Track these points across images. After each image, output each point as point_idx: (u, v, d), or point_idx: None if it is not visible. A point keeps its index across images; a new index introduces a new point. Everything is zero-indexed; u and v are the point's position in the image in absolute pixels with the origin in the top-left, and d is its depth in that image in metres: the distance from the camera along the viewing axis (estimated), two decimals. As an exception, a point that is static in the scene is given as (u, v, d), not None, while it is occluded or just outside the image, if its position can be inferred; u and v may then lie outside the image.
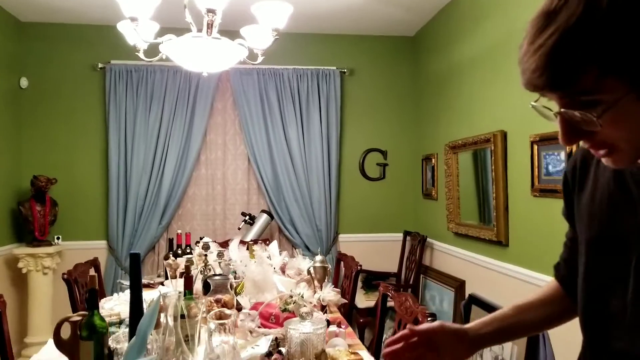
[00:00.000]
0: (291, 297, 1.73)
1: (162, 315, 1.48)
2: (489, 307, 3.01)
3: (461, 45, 3.62)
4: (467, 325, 1.03)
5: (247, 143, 4.22)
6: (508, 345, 2.73)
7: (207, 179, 4.26)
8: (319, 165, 4.26)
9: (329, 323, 1.74)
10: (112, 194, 4.01)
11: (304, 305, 1.65)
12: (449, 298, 3.75)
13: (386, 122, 4.52)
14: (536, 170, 2.65)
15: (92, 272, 2.82)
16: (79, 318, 1.46)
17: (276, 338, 1.57)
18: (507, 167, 2.98)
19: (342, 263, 3.17)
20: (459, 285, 3.64)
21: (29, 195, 3.83)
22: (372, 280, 4.24)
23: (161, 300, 1.45)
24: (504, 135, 2.99)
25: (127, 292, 2.28)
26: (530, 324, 1.04)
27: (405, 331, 0.96)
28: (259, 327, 1.74)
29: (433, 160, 4.15)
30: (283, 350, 1.53)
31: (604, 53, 0.58)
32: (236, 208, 4.29)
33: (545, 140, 2.56)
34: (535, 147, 2.64)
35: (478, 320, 1.06)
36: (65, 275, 2.41)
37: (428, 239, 4.11)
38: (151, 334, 1.39)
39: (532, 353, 2.49)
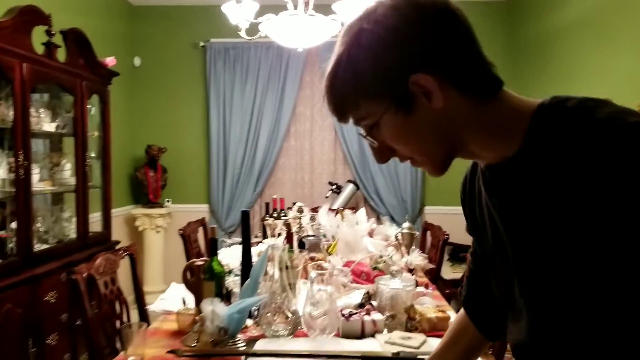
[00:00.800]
0: (381, 257, 1.88)
1: (269, 264, 1.70)
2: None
3: (562, 8, 3.44)
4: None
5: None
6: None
7: (297, 150, 4.50)
8: (405, 137, 4.31)
9: (417, 284, 1.87)
10: (213, 163, 4.39)
11: (393, 265, 1.79)
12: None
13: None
14: None
15: (201, 230, 3.17)
16: (201, 263, 1.73)
17: (368, 292, 1.74)
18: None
19: (428, 232, 3.25)
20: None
21: (143, 162, 4.31)
22: (459, 252, 4.26)
23: (269, 251, 1.67)
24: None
25: (231, 248, 2.57)
26: None
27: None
28: (351, 282, 1.91)
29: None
30: (374, 303, 1.69)
31: (352, 89, 0.70)
32: (323, 177, 4.50)
33: None
34: None
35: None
36: (181, 231, 2.76)
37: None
38: (261, 280, 1.62)
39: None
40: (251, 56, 4.29)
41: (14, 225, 2.54)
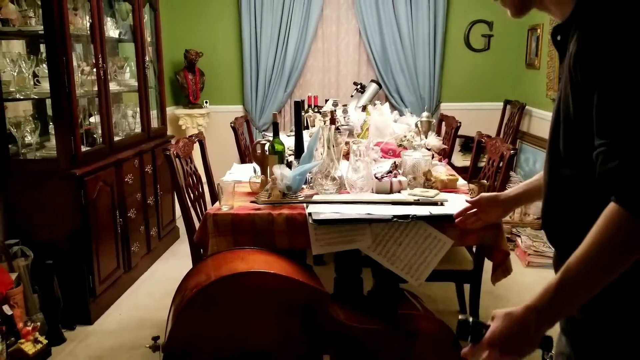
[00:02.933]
0: (405, 136, 2.33)
1: (319, 143, 2.17)
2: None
3: None
4: (502, 192, 1.35)
5: (358, 18, 4.62)
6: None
7: (324, 52, 4.81)
8: (425, 38, 4.57)
9: (433, 157, 2.34)
10: (246, 65, 4.75)
11: (417, 143, 2.24)
12: (541, 158, 4.15)
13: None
14: None
15: (245, 125, 3.64)
16: (265, 142, 2.21)
17: (395, 162, 2.22)
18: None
19: (443, 123, 3.68)
20: (552, 149, 4.00)
21: (182, 66, 4.68)
22: (470, 144, 4.71)
23: (320, 132, 2.13)
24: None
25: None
26: None
27: (467, 205, 1.41)
28: (381, 158, 2.40)
29: (538, 30, 4.27)
30: (400, 170, 2.17)
31: None
32: (348, 78, 4.84)
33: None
34: None
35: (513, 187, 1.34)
36: (232, 124, 3.23)
37: (527, 107, 4.41)
38: (314, 152, 2.10)
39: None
40: (280, -40, 4.46)
41: (92, 119, 3.03)
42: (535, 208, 3.85)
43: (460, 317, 0.92)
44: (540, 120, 4.26)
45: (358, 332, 1.69)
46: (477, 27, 4.69)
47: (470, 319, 0.91)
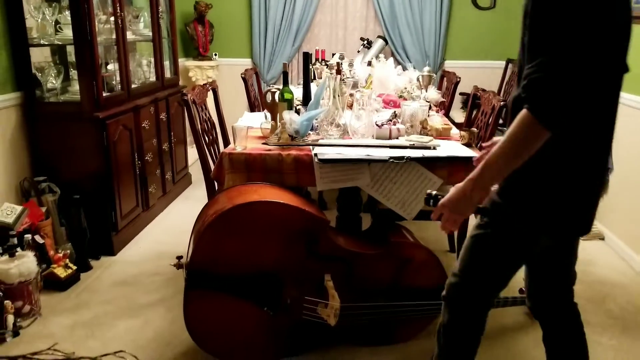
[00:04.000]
0: (405, 88, 2.50)
1: (325, 92, 2.34)
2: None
3: None
4: None
5: (367, -28, 4.66)
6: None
7: (332, 6, 4.88)
8: (432, -6, 4.64)
9: (430, 107, 2.52)
10: (255, 18, 4.83)
11: (416, 94, 2.41)
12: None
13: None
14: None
15: (254, 76, 3.79)
16: (275, 90, 2.38)
17: (394, 112, 2.40)
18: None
19: (445, 79, 3.82)
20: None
21: (192, 18, 4.78)
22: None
23: (327, 82, 2.30)
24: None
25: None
26: None
27: (487, 143, 1.51)
28: (383, 107, 2.57)
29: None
30: (399, 119, 2.36)
31: None
32: (355, 34, 4.93)
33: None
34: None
35: None
36: (242, 75, 3.39)
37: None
38: (321, 100, 2.27)
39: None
40: None
41: (110, 67, 3.20)
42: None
43: (427, 191, 1.32)
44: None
45: (354, 256, 1.93)
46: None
47: (433, 192, 1.31)
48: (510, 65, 4.78)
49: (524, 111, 1.10)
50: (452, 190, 1.25)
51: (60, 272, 2.59)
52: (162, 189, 3.59)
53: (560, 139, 1.13)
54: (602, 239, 3.08)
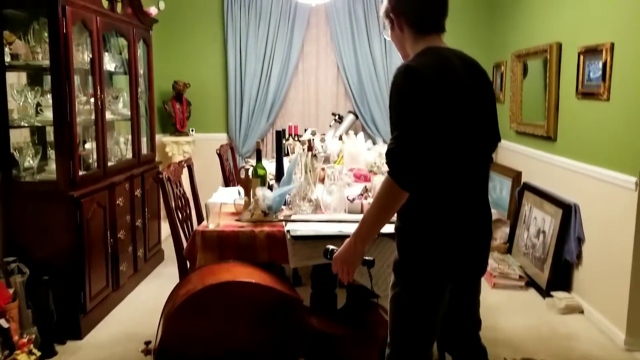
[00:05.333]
0: (375, 162, 2.60)
1: (297, 168, 2.42)
2: (538, 192, 3.72)
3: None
4: None
5: (336, 53, 4.97)
6: (547, 218, 3.47)
7: (304, 84, 5.13)
8: (399, 72, 4.93)
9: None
10: (231, 96, 5.03)
11: (384, 168, 2.51)
12: (507, 186, 4.46)
13: (460, 32, 4.96)
14: (581, 76, 3.18)
15: (229, 151, 3.89)
16: (249, 167, 2.46)
17: (365, 186, 2.48)
18: (559, 74, 3.50)
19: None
20: (516, 176, 4.33)
21: (170, 96, 4.94)
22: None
23: (298, 158, 2.39)
24: (559, 46, 3.48)
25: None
26: None
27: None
28: (353, 182, 2.66)
29: (502, 67, 4.66)
30: (370, 193, 2.44)
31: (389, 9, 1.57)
32: (327, 109, 5.16)
33: (589, 52, 3.07)
34: (582, 57, 3.15)
35: None
36: (218, 151, 3.48)
37: (492, 138, 4.74)
38: (293, 176, 2.35)
39: (565, 223, 3.23)
40: (264, 1, 4.80)
41: (87, 146, 3.25)
42: (502, 233, 4.14)
43: (326, 246, 1.60)
44: (506, 151, 4.60)
45: (329, 337, 1.91)
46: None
47: (330, 247, 1.59)
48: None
49: (385, 177, 1.42)
50: (343, 245, 1.54)
51: (24, 358, 2.47)
52: (134, 267, 3.53)
53: (421, 197, 1.44)
54: (582, 312, 3.10)
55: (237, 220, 2.20)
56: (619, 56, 2.78)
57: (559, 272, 3.29)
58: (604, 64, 2.89)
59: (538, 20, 3.88)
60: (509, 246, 4.05)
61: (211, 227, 2.12)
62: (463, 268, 1.54)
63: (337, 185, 2.32)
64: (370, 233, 1.50)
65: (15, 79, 2.84)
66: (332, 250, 1.56)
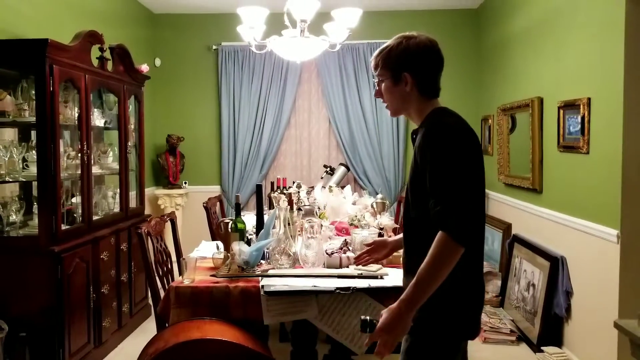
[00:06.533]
0: (356, 216, 2.60)
1: (276, 222, 2.42)
2: (527, 244, 3.68)
3: (516, 18, 4.11)
4: (389, 238, 1.99)
5: (328, 107, 5.09)
6: (537, 271, 3.42)
7: (296, 138, 5.22)
8: (389, 126, 5.03)
9: (381, 234, 2.60)
10: (224, 149, 5.11)
11: (364, 222, 2.51)
12: (499, 238, 4.42)
13: (450, 87, 5.09)
14: (562, 130, 3.23)
15: (218, 204, 3.90)
16: (228, 221, 2.46)
17: (345, 239, 2.46)
18: (542, 127, 3.56)
19: (401, 203, 3.97)
20: (506, 228, 4.30)
21: (164, 149, 5.02)
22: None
23: (277, 211, 2.39)
24: (541, 100, 3.56)
25: (245, 216, 3.29)
26: None
27: (365, 248, 1.96)
28: (335, 235, 2.64)
29: (490, 120, 4.74)
30: (350, 247, 2.42)
31: (382, 64, 1.55)
32: (319, 161, 5.22)
33: (568, 106, 3.13)
34: (562, 111, 3.21)
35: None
36: (204, 204, 3.49)
37: (483, 190, 4.75)
38: (271, 230, 2.34)
39: (554, 276, 3.18)
40: (257, 57, 4.98)
41: (74, 200, 3.27)
42: (493, 286, 4.07)
43: (362, 317, 1.38)
44: (495, 202, 4.60)
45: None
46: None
47: (368, 318, 1.38)
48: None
49: (439, 236, 1.35)
50: (387, 313, 1.36)
51: (-8, 422, 2.37)
52: (118, 323, 3.45)
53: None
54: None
55: (212, 275, 2.18)
56: (596, 110, 2.83)
57: (550, 326, 3.20)
58: (582, 118, 2.94)
59: (522, 76, 3.99)
60: (501, 299, 3.97)
61: (186, 282, 2.10)
62: (479, 323, 1.53)
63: (315, 238, 2.30)
64: (424, 299, 1.36)
65: (3, 135, 2.90)
66: (372, 321, 1.37)
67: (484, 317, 3.59)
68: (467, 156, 1.41)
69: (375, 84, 1.58)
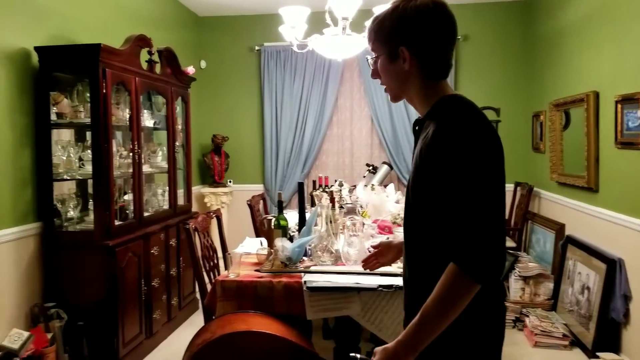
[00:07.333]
0: (399, 214, 2.57)
1: (318, 219, 2.44)
2: (582, 246, 3.53)
3: (569, 8, 3.93)
4: (395, 240, 1.70)
5: (370, 106, 5.06)
6: (592, 274, 3.27)
7: (338, 136, 5.22)
8: (433, 123, 4.94)
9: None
10: (267, 148, 5.19)
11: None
12: (551, 239, 4.25)
13: (499, 83, 4.97)
14: (619, 125, 3.07)
15: (261, 202, 3.96)
16: (271, 218, 2.49)
17: (388, 238, 2.45)
18: (598, 123, 3.39)
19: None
20: (559, 228, 4.13)
21: (209, 149, 5.16)
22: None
23: (318, 209, 2.41)
24: (597, 95, 3.40)
25: (287, 214, 3.33)
26: None
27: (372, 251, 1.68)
28: (377, 233, 2.63)
29: (541, 116, 4.57)
30: (392, 245, 2.40)
31: (375, 38, 1.22)
32: (361, 160, 5.20)
33: (626, 100, 2.97)
34: (619, 105, 3.05)
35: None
36: (248, 202, 3.55)
37: (535, 189, 4.60)
38: (313, 227, 2.36)
39: (610, 279, 3.03)
40: (299, 57, 5.02)
41: (126, 197, 3.41)
42: (545, 289, 3.91)
43: (350, 354, 1.18)
44: (548, 202, 4.42)
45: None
46: (484, 113, 5.02)
47: (358, 356, 1.16)
48: (518, 188, 4.87)
49: (450, 268, 1.08)
50: (381, 354, 1.12)
51: (54, 405, 2.52)
52: (167, 315, 3.58)
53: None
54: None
55: (256, 270, 2.22)
56: (655, 103, 2.68)
57: (606, 332, 3.05)
58: (641, 112, 2.78)
59: (575, 69, 3.82)
60: (553, 302, 3.81)
61: (231, 276, 2.15)
62: None
63: (357, 236, 2.30)
64: (427, 342, 1.10)
65: (61, 136, 3.07)
66: (364, 359, 1.18)
67: (534, 321, 3.47)
68: (492, 168, 1.10)
69: (371, 61, 1.25)
